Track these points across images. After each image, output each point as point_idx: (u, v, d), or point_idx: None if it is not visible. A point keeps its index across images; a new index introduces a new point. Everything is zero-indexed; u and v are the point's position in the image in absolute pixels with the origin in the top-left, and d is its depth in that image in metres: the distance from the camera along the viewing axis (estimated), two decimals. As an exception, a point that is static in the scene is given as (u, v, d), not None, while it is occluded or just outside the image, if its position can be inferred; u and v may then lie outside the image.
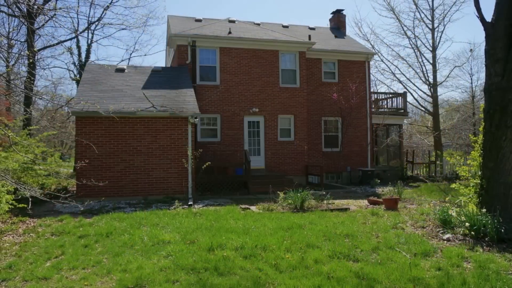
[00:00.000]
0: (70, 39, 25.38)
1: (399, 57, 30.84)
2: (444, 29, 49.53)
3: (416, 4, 27.47)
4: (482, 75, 40.54)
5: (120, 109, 12.35)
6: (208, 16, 22.35)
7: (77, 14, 24.80)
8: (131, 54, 44.23)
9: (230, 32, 17.03)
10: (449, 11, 32.86)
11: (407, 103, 23.03)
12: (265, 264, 5.94)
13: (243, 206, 11.01)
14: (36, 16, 17.67)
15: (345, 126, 18.82)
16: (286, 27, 21.33)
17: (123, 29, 34.68)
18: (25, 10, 15.31)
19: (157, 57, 76.16)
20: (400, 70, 41.99)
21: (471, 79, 43.37)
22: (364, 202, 12.22)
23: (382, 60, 30.85)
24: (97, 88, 13.94)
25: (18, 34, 23.99)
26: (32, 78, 19.05)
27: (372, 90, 21.53)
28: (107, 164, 12.56)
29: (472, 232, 7.27)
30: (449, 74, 40.44)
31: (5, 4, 14.18)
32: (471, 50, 38.39)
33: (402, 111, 21.65)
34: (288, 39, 17.72)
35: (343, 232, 7.71)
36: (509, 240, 7.01)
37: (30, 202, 7.62)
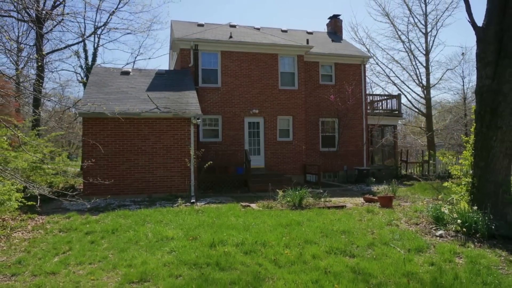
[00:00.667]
0: (77, 43, 25.37)
1: (393, 61, 30.93)
2: (437, 33, 49.52)
3: (410, 10, 27.50)
4: (474, 77, 40.60)
5: (125, 110, 12.36)
6: (209, 18, 22.45)
7: (84, 19, 24.81)
8: (136, 57, 44.44)
9: (231, 37, 17.03)
10: (441, 16, 32.67)
11: (401, 105, 23.04)
12: (265, 260, 5.94)
13: (243, 203, 11.00)
14: (45, 21, 17.67)
15: (342, 126, 18.82)
16: (285, 31, 21.32)
17: (128, 33, 34.71)
18: (34, 15, 15.33)
19: (161, 60, 76.32)
20: (394, 73, 41.88)
21: (463, 81, 43.43)
22: (360, 200, 12.21)
23: (377, 63, 30.85)
24: (103, 90, 13.94)
25: (27, 38, 24.00)
26: (40, 81, 19.07)
27: (367, 92, 21.54)
28: (113, 163, 12.56)
29: (464, 229, 7.27)
30: (442, 76, 40.45)
31: (15, 9, 14.19)
32: (462, 53, 38.43)
33: (397, 112, 21.65)
34: (287, 43, 17.72)
35: (340, 229, 7.71)
36: (500, 236, 7.02)
37: (38, 200, 7.63)
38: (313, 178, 16.87)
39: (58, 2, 21.60)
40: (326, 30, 23.73)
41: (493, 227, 7.03)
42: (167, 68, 25.54)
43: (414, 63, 27.77)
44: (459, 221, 7.41)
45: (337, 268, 5.53)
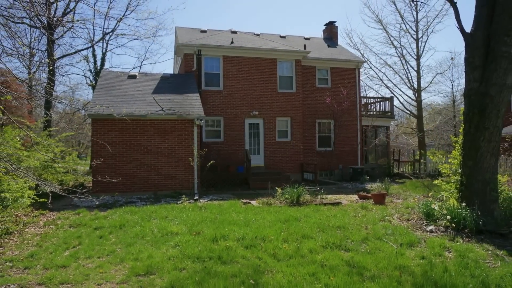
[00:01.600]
0: (87, 48, 25.39)
1: (386, 65, 30.88)
2: (427, 39, 49.43)
3: (402, 17, 27.53)
4: (462, 81, 40.55)
5: (132, 112, 12.36)
6: (212, 25, 22.40)
7: (93, 26, 24.83)
8: (142, 62, 44.31)
9: (232, 42, 17.03)
10: (432, 22, 32.74)
11: (394, 107, 23.01)
12: (264, 254, 5.94)
13: (244, 200, 11.00)
14: (56, 27, 17.67)
15: (337, 127, 18.82)
16: (283, 37, 21.32)
17: (135, 39, 34.64)
18: (45, 22, 15.32)
19: (166, 64, 76.15)
20: (387, 77, 41.96)
21: (452, 84, 43.31)
22: (355, 197, 12.21)
23: (371, 68, 30.88)
24: (111, 93, 13.94)
25: (39, 44, 24.04)
26: (52, 84, 19.06)
27: (361, 94, 21.54)
28: (120, 162, 12.56)
29: (453, 224, 7.26)
30: (432, 80, 40.28)
31: (27, 16, 14.19)
32: (452, 58, 38.37)
33: (389, 114, 21.64)
34: (285, 48, 17.72)
35: (335, 224, 7.70)
36: (487, 232, 7.01)
37: (50, 197, 7.64)
38: (310, 176, 16.86)
39: (68, 10, 21.60)
40: (322, 36, 23.72)
41: (480, 222, 7.03)
42: (171, 72, 25.57)
43: (406, 67, 27.78)
44: (448, 217, 7.40)
45: (333, 261, 5.53)
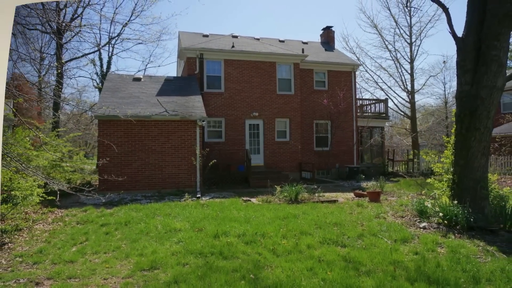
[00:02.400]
0: (93, 52, 25.44)
1: (381, 68, 30.91)
2: (420, 43, 49.48)
3: (396, 22, 27.55)
4: (454, 83, 40.55)
5: (137, 113, 12.35)
6: (214, 31, 22.34)
7: (99, 30, 24.94)
8: (146, 65, 44.36)
9: (233, 46, 17.02)
10: (425, 27, 32.83)
11: (388, 108, 23.00)
12: (264, 249, 5.93)
13: (244, 198, 10.99)
14: (64, 32, 17.66)
15: (334, 128, 18.80)
16: (282, 41, 21.30)
17: (139, 43, 34.68)
18: (55, 27, 15.32)
19: (169, 68, 76.18)
20: (382, 79, 41.90)
21: (444, 87, 43.42)
22: (351, 195, 12.19)
23: (366, 71, 30.87)
24: (117, 95, 13.93)
25: (48, 48, 24.04)
26: (60, 87, 19.06)
27: (357, 96, 21.52)
28: (126, 161, 12.55)
29: (445, 221, 7.25)
30: (425, 82, 40.38)
31: (40, 22, 14.21)
32: (444, 62, 38.42)
33: (384, 115, 21.63)
34: (284, 52, 17.71)
35: (332, 221, 7.70)
36: (478, 228, 7.00)
37: (58, 195, 7.62)
38: (308, 175, 16.85)
39: (76, 15, 21.61)
40: (319, 40, 23.70)
41: (472, 219, 7.02)
42: (175, 75, 25.54)
43: (400, 70, 27.84)
44: (441, 214, 7.39)
45: (330, 257, 5.52)
